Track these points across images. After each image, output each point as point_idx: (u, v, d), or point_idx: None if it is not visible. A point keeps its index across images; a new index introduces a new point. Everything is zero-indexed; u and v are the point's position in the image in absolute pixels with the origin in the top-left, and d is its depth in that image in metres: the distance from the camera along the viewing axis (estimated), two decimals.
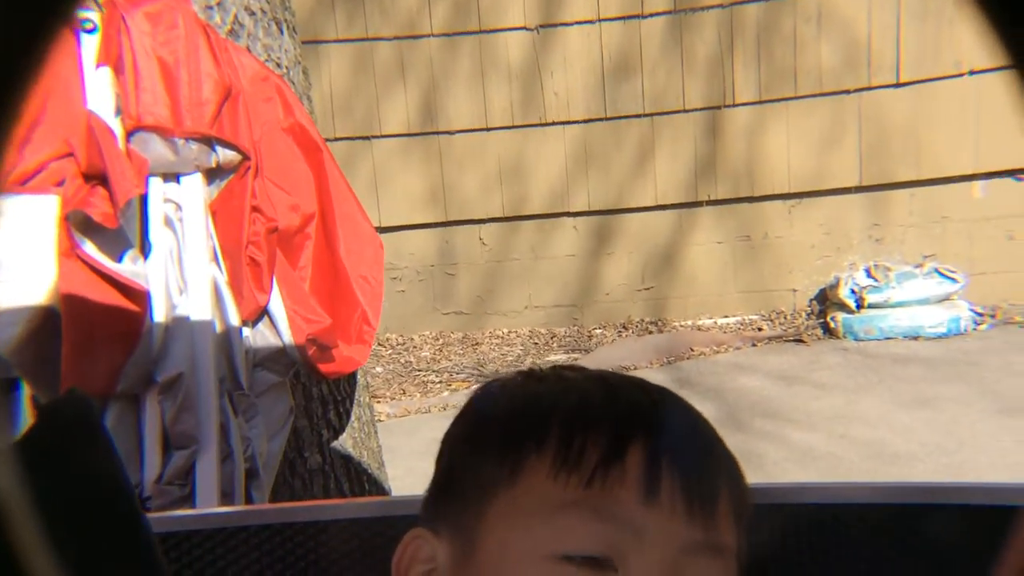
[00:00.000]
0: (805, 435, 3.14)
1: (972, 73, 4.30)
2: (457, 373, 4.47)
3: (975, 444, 2.92)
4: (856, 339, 4.23)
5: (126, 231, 1.42)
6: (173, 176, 1.54)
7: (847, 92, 4.46)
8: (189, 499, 1.43)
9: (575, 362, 4.13)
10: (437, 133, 4.81)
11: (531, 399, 0.57)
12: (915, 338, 4.13)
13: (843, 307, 4.34)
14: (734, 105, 4.59)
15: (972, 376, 3.56)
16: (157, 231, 1.49)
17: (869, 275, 4.36)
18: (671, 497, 0.50)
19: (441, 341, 4.88)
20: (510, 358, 4.58)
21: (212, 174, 1.57)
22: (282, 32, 1.99)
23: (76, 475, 0.60)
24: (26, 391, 1.39)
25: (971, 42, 4.25)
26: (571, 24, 4.64)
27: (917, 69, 4.37)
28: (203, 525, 0.83)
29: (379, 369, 4.53)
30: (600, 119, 4.70)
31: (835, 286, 4.45)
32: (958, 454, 2.87)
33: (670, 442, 0.53)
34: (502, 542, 0.52)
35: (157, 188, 1.51)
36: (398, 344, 4.82)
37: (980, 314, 4.25)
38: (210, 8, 1.81)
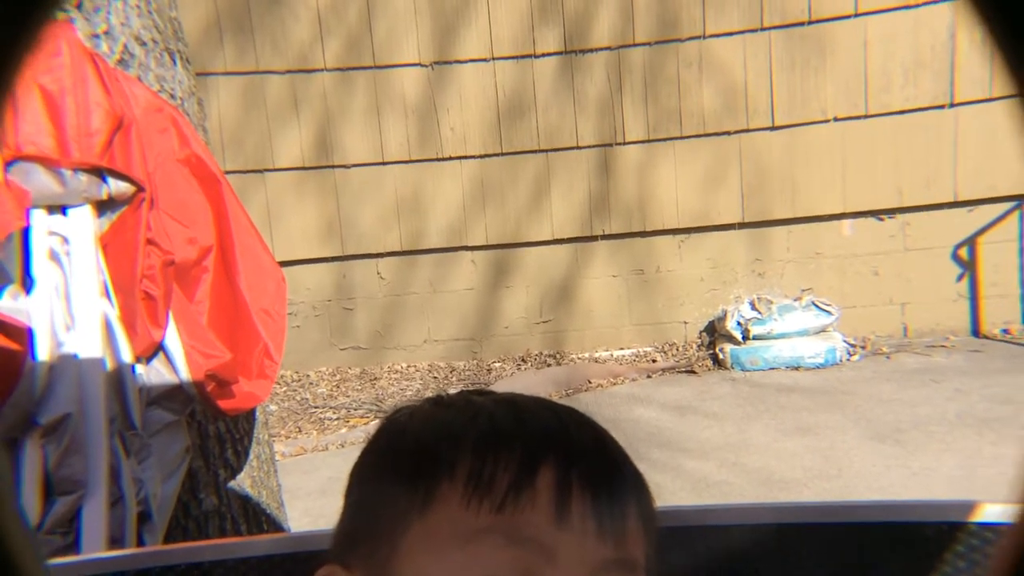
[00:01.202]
0: (699, 464, 3.25)
1: (836, 120, 4.63)
2: (355, 409, 4.40)
3: (852, 469, 3.10)
4: (743, 369, 4.42)
5: (5, 266, 1.35)
6: (59, 208, 1.47)
7: (728, 133, 4.71)
8: (72, 548, 1.35)
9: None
10: (333, 167, 4.77)
11: (440, 426, 0.57)
12: (796, 368, 4.35)
13: (730, 338, 4.53)
14: (624, 143, 4.76)
15: (847, 404, 3.78)
16: (41, 265, 1.41)
17: (753, 308, 4.57)
18: (582, 517, 0.51)
19: (338, 377, 4.79)
20: (409, 393, 4.54)
21: (103, 206, 1.51)
22: (175, 63, 1.95)
23: None
24: None
25: (835, 91, 4.59)
26: (465, 62, 4.72)
27: (789, 114, 4.66)
28: (100, 570, 0.79)
29: (273, 407, 4.39)
30: (496, 155, 4.78)
31: (722, 318, 4.64)
32: (838, 479, 3.03)
33: (579, 462, 0.53)
34: (417, 573, 0.52)
35: (41, 221, 1.44)
36: (294, 381, 4.70)
37: (852, 345, 4.53)
38: (96, 37, 1.75)
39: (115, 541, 1.38)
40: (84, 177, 1.45)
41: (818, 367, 4.34)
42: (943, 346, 4.46)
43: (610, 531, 0.52)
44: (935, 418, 3.48)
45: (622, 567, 0.53)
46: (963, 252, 4.62)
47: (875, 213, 4.71)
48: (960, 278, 4.64)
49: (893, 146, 4.57)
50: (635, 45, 4.65)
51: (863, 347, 4.56)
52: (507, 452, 0.53)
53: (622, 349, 4.88)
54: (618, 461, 0.57)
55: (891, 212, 4.69)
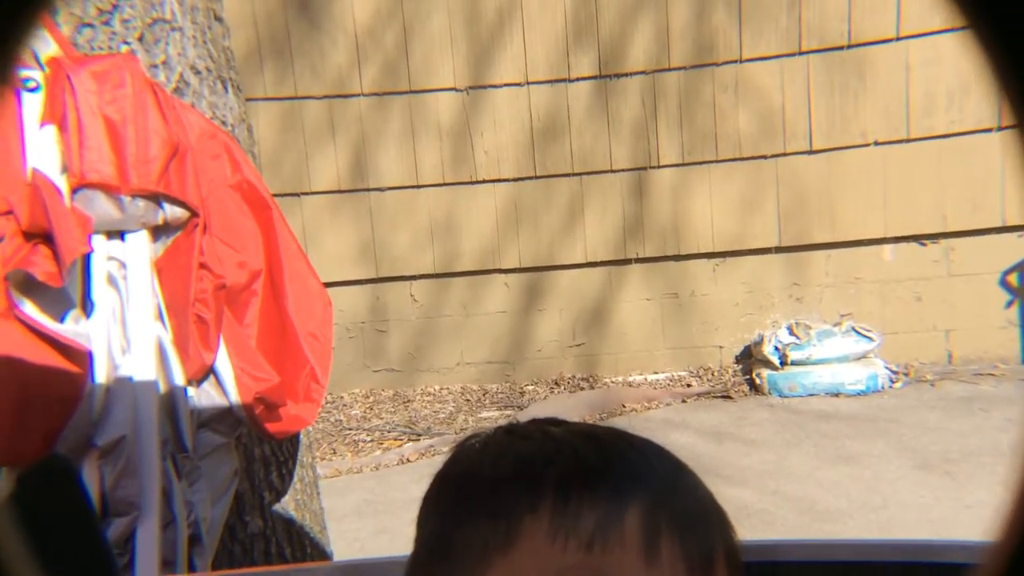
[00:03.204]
0: (738, 491, 3.20)
1: (877, 144, 4.58)
2: (389, 431, 4.40)
3: (899, 500, 3.03)
4: (781, 395, 4.36)
5: (68, 290, 1.37)
6: (117, 234, 1.50)
7: (764, 157, 4.69)
8: (127, 569, 1.36)
9: (515, 418, 4.12)
10: (368, 190, 4.82)
11: (521, 459, 0.56)
12: (836, 395, 4.28)
13: (767, 364, 4.48)
14: (659, 167, 4.76)
15: (891, 432, 3.70)
16: (100, 290, 1.44)
17: (791, 333, 4.52)
18: (671, 557, 0.51)
19: (372, 399, 4.81)
20: (442, 415, 4.54)
21: (158, 231, 1.53)
22: (227, 90, 1.98)
23: (56, 540, 0.57)
24: None
25: (875, 115, 4.55)
26: (500, 86, 4.75)
27: (828, 138, 4.63)
28: None
29: (309, 430, 4.41)
30: (530, 178, 4.80)
31: (759, 343, 4.59)
32: (884, 510, 2.96)
33: (666, 501, 0.53)
34: None
35: (100, 246, 1.47)
36: (327, 402, 4.72)
37: (895, 372, 4.45)
38: (155, 67, 1.79)
39: (167, 564, 1.38)
40: (142, 203, 1.48)
41: (859, 394, 4.27)
42: (991, 374, 4.36)
43: (699, 571, 0.51)
44: (986, 449, 3.39)
45: None
46: (1012, 278, 4.53)
47: (918, 238, 4.64)
48: (1009, 305, 4.55)
49: (937, 170, 4.51)
50: (670, 69, 4.66)
51: (906, 374, 4.47)
52: (593, 489, 0.52)
53: (656, 373, 4.84)
54: (704, 499, 0.56)
55: (934, 237, 4.62)
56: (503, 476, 0.55)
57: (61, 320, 1.32)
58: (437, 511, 0.59)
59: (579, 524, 0.51)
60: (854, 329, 4.45)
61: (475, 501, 0.55)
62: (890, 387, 4.34)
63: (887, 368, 4.41)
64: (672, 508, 0.53)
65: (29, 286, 1.29)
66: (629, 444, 0.58)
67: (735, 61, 4.61)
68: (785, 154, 4.66)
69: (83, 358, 1.34)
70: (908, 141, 4.52)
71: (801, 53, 4.55)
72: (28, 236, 1.33)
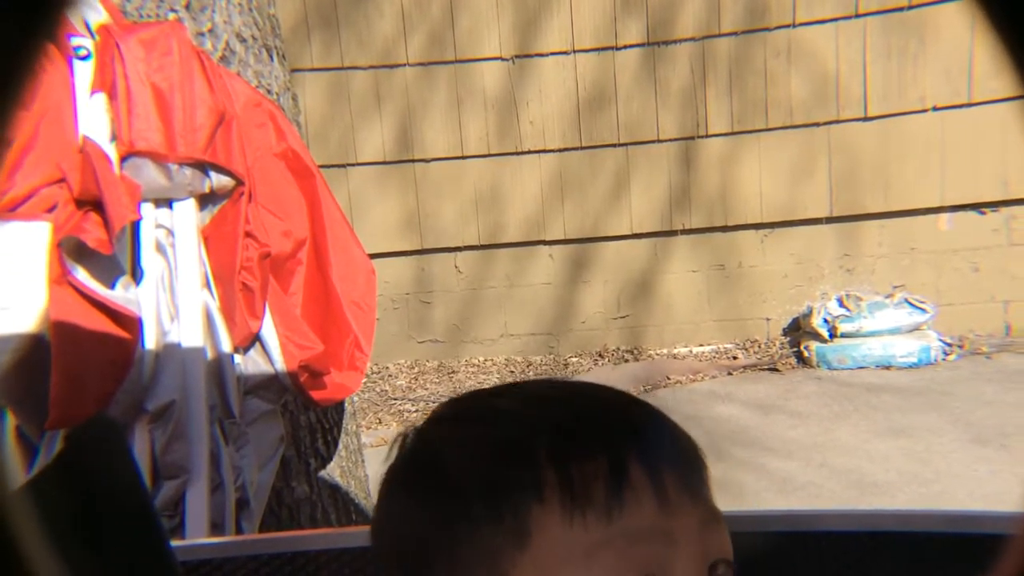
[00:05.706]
0: (783, 464, 3.16)
1: (936, 109, 4.42)
2: (433, 402, 4.44)
3: (951, 474, 2.97)
4: (830, 368, 4.29)
5: (119, 257, 1.40)
6: (165, 202, 1.52)
7: (817, 125, 4.56)
8: (178, 530, 1.40)
9: None
10: (413, 161, 4.82)
11: (502, 445, 0.53)
12: (887, 367, 4.19)
13: (816, 336, 4.40)
14: (707, 136, 4.66)
15: (944, 406, 3.62)
16: (149, 257, 1.47)
17: (841, 305, 4.42)
18: (679, 494, 0.51)
19: (417, 370, 4.85)
20: (486, 386, 4.56)
21: (205, 199, 1.55)
22: (272, 59, 1.99)
23: (103, 498, 0.59)
24: (10, 421, 1.35)
25: (934, 79, 4.39)
26: (546, 55, 4.70)
27: (884, 104, 4.48)
28: (216, 554, 0.81)
29: (354, 398, 4.48)
30: (576, 148, 4.75)
31: (808, 315, 4.51)
32: (936, 484, 2.90)
33: (655, 444, 0.53)
34: None
35: (149, 213, 1.49)
36: (373, 372, 4.78)
37: (949, 344, 4.33)
38: (201, 35, 1.80)
39: (216, 526, 1.42)
40: (189, 171, 1.50)
41: (911, 366, 4.17)
42: None
43: (699, 494, 0.53)
44: None
45: (715, 519, 0.53)
46: None
47: (976, 206, 4.49)
48: None
49: (1000, 135, 4.33)
50: (721, 35, 4.55)
51: (960, 346, 4.35)
52: (590, 458, 0.51)
53: (702, 345, 4.79)
54: (675, 429, 0.57)
55: (995, 205, 4.46)
56: (490, 467, 0.52)
57: (112, 286, 1.35)
58: (414, 515, 0.54)
59: (590, 498, 0.49)
60: (907, 300, 4.34)
61: (466, 500, 0.52)
62: (944, 359, 4.23)
63: (941, 340, 4.30)
64: (661, 446, 0.53)
65: (81, 253, 1.32)
66: (599, 400, 0.57)
67: (788, 25, 4.48)
68: (838, 121, 4.53)
69: (133, 324, 1.37)
70: (970, 105, 4.34)
71: (858, 16, 4.40)
72: (80, 204, 1.36)
